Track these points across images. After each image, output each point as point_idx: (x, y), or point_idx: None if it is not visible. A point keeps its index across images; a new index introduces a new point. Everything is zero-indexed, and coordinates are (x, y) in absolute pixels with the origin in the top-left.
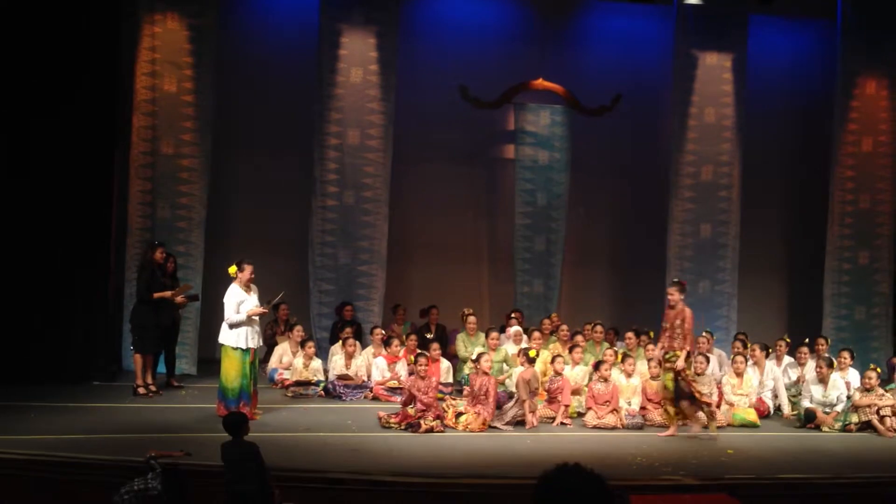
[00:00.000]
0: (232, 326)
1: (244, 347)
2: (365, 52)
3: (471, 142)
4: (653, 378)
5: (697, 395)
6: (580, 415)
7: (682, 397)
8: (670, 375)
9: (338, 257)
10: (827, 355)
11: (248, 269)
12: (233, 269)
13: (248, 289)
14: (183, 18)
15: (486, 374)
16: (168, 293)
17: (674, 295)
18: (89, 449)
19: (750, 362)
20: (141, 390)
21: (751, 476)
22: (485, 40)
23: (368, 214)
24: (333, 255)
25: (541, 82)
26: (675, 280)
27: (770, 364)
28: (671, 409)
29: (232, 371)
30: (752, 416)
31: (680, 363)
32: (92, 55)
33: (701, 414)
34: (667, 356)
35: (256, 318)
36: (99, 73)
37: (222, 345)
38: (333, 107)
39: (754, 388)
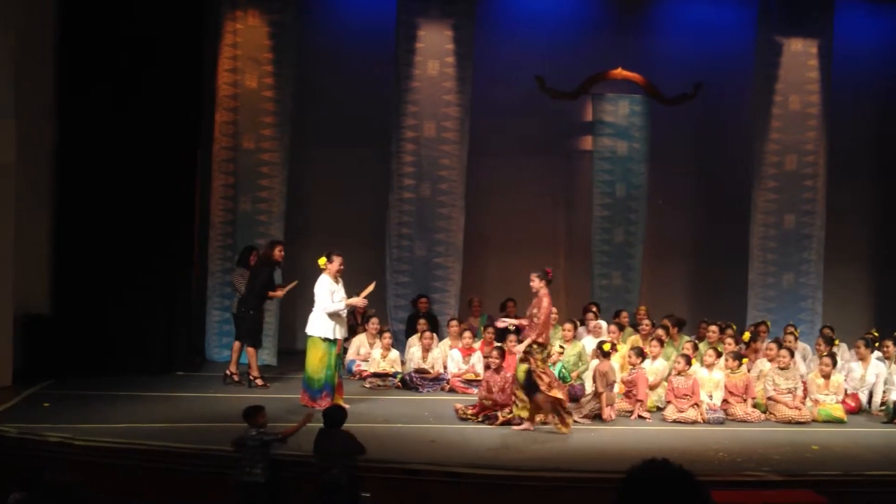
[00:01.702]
0: (330, 316)
1: (332, 338)
2: (441, 44)
3: (548, 133)
4: (731, 371)
5: (546, 388)
6: (660, 409)
7: (533, 391)
8: (524, 367)
9: (414, 250)
10: None
11: (337, 260)
12: (322, 261)
13: (336, 279)
14: (264, 15)
15: None
16: (279, 293)
17: (534, 282)
18: (175, 438)
19: (853, 357)
20: (258, 381)
21: (836, 473)
22: (561, 30)
23: (445, 207)
24: (410, 247)
25: (619, 71)
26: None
27: (874, 360)
28: (524, 401)
29: (318, 362)
30: (838, 411)
31: (518, 347)
32: (176, 52)
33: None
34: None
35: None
36: (183, 69)
37: (310, 336)
38: (410, 100)
39: (841, 385)
